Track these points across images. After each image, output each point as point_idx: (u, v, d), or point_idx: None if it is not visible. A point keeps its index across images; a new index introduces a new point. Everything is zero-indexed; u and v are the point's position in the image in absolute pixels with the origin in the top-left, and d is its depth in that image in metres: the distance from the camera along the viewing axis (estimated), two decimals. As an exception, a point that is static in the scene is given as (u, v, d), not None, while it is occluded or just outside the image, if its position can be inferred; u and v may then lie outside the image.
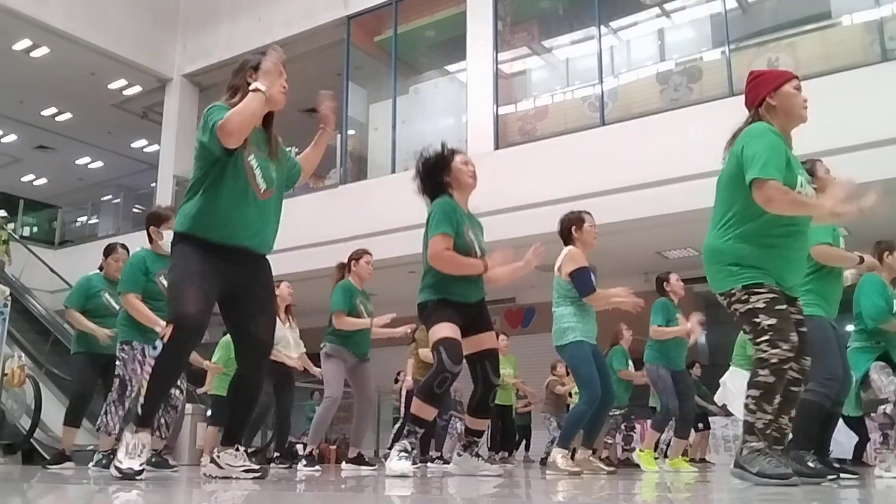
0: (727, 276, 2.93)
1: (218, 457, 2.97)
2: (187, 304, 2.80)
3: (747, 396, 2.81)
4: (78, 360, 5.32)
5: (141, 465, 2.77)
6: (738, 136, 2.98)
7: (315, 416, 5.50)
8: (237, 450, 2.98)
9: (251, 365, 3.03)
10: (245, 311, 3.00)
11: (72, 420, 5.41)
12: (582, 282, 4.45)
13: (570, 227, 4.66)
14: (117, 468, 2.74)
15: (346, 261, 5.67)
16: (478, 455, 3.93)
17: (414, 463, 6.30)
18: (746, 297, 2.87)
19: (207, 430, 7.01)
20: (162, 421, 5.06)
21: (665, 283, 6.03)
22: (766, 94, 3.01)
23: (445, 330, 3.59)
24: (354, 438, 5.74)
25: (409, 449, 3.62)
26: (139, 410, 2.82)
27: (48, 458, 6.17)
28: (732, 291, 2.90)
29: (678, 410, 5.95)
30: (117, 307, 5.14)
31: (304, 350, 6.15)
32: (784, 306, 2.86)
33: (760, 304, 2.84)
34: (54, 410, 5.57)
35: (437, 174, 3.82)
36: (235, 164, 2.94)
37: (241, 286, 2.97)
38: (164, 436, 5.12)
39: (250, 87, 2.89)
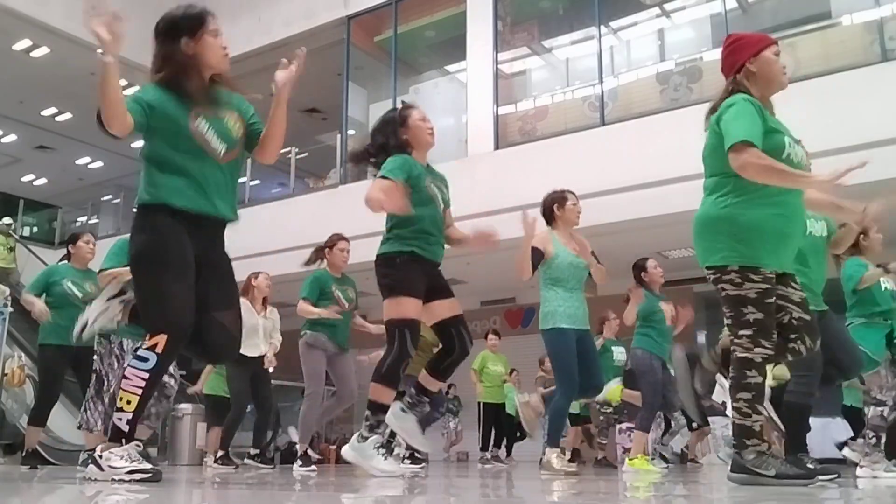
0: (723, 248, 2.79)
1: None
2: (180, 310, 2.60)
3: (738, 400, 2.71)
4: (45, 353, 5.17)
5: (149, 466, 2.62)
6: (717, 106, 2.89)
7: (300, 414, 5.36)
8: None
9: (215, 355, 2.87)
10: (213, 301, 2.75)
11: (37, 419, 5.30)
12: None
13: (553, 206, 4.59)
14: (132, 471, 2.52)
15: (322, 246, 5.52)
16: (421, 424, 3.69)
17: (417, 463, 6.31)
18: (740, 280, 2.74)
19: (210, 432, 7.01)
20: (152, 410, 5.02)
21: (643, 273, 5.68)
22: (745, 59, 2.90)
23: (413, 309, 3.45)
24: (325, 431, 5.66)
25: (385, 444, 3.53)
26: (124, 427, 2.57)
27: (48, 458, 6.17)
28: (727, 269, 2.77)
29: (665, 404, 5.75)
30: (80, 295, 5.08)
31: (275, 344, 6.09)
32: (773, 299, 2.76)
33: (752, 294, 2.72)
34: (54, 411, 5.56)
35: (393, 129, 3.69)
36: (180, 128, 2.68)
37: (206, 270, 2.73)
38: (152, 425, 5.09)
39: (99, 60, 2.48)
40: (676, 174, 7.86)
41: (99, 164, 17.27)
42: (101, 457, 2.58)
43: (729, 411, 6.73)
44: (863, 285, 4.39)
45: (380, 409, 3.50)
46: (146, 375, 2.57)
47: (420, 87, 11.41)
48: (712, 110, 2.92)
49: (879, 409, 4.39)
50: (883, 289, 4.47)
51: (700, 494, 2.76)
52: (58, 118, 15.04)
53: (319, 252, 5.47)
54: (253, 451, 5.95)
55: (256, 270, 6.44)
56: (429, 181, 3.60)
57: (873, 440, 4.45)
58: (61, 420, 7.09)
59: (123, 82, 2.64)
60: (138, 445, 3.14)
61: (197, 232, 2.69)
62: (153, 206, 2.68)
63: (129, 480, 2.50)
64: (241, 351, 5.65)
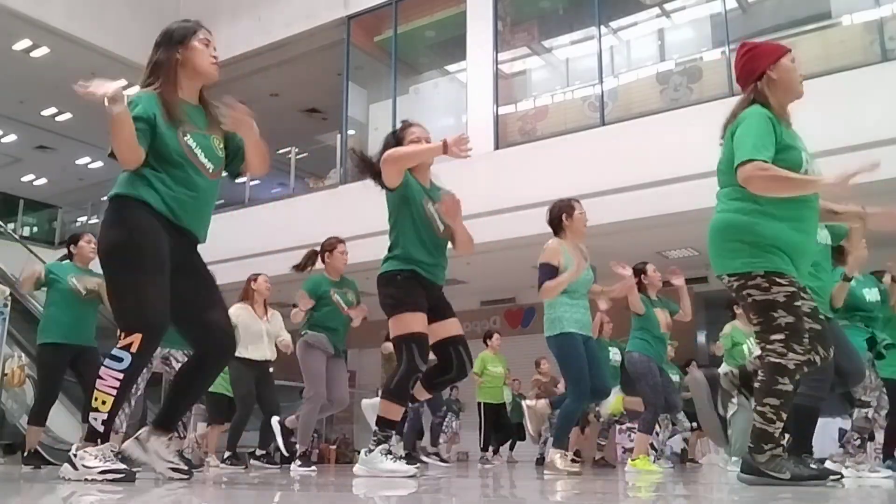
0: (745, 255, 2.74)
1: (146, 439, 2.73)
2: (155, 311, 2.56)
3: (765, 405, 2.68)
4: (45, 352, 5.12)
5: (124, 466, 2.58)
6: (736, 114, 2.87)
7: (300, 416, 5.31)
8: (171, 440, 2.81)
9: (217, 356, 2.80)
10: (201, 303, 2.76)
11: (37, 419, 5.26)
12: (540, 275, 4.39)
13: (561, 216, 4.56)
14: (105, 471, 2.49)
15: (319, 250, 5.43)
16: (433, 433, 3.81)
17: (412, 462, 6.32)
18: (767, 285, 2.69)
19: (209, 431, 7.01)
20: (182, 422, 5.17)
21: (643, 276, 5.72)
22: (765, 67, 2.87)
23: (418, 323, 3.45)
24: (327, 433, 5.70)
25: (392, 451, 3.54)
26: (99, 427, 2.52)
27: (48, 457, 6.17)
28: (752, 274, 2.72)
29: (667, 405, 5.78)
30: (84, 291, 5.11)
31: (285, 341, 6.03)
32: (800, 303, 2.72)
33: (781, 298, 2.68)
34: (54, 410, 5.56)
35: (393, 146, 3.68)
36: (169, 143, 2.66)
37: (185, 276, 2.71)
38: (182, 435, 5.20)
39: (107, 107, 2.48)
40: (676, 174, 7.87)
41: (99, 164, 17.27)
42: (75, 456, 2.55)
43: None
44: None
45: (388, 424, 3.49)
46: (120, 376, 2.52)
47: (420, 87, 11.42)
48: (731, 119, 2.89)
49: (864, 410, 4.41)
50: (868, 300, 4.57)
51: (703, 495, 2.76)
52: (58, 118, 15.04)
53: (312, 256, 5.37)
54: (259, 452, 5.96)
55: (255, 272, 6.42)
56: (426, 201, 3.59)
57: (857, 441, 4.48)
58: (61, 420, 7.09)
59: (123, 82, 2.64)
60: (178, 451, 3.11)
61: (172, 237, 2.66)
62: (131, 200, 2.64)
63: (102, 480, 2.47)
64: (246, 355, 5.73)
